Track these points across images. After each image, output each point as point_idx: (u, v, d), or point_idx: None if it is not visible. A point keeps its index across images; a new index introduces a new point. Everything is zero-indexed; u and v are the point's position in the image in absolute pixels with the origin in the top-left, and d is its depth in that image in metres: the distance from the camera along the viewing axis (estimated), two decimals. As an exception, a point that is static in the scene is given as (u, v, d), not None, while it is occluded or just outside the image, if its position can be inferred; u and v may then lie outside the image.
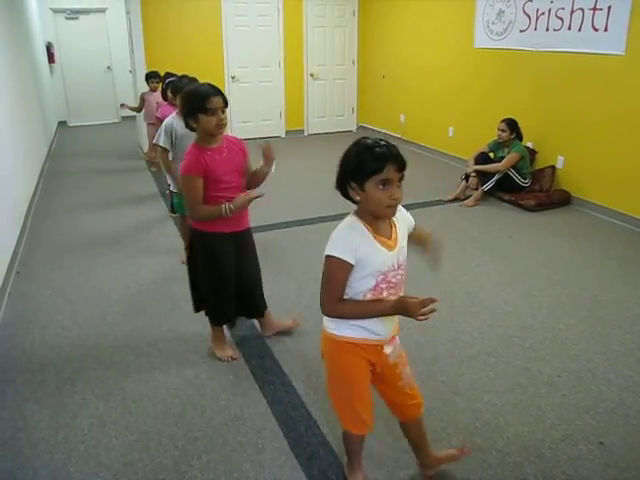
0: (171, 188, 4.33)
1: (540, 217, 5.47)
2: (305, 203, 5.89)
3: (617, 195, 5.33)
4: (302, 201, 5.97)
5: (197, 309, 3.17)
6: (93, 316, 3.62)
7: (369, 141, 1.75)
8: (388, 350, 1.97)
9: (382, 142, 1.74)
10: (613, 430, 2.56)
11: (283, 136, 9.52)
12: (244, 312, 3.21)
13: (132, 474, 2.32)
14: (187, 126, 2.76)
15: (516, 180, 5.76)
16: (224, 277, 2.96)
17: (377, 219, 1.81)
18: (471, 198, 5.85)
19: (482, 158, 5.99)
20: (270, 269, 4.08)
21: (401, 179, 1.74)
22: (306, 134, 9.74)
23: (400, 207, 1.87)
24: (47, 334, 3.41)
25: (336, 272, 1.80)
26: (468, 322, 3.50)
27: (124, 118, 11.18)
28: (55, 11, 10.66)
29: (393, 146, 1.75)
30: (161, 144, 4.05)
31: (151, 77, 6.95)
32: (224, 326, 3.18)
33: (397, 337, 2.05)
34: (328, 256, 1.79)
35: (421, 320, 1.74)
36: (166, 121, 4.06)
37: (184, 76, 4.42)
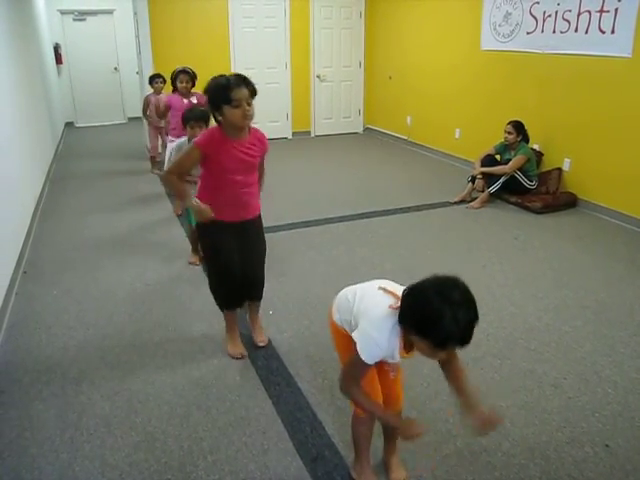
0: None
1: (546, 219, 5.46)
2: (311, 205, 5.88)
3: (624, 197, 5.32)
4: (308, 203, 5.96)
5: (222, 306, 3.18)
6: (99, 316, 3.63)
7: (455, 298, 1.60)
8: None
9: (464, 306, 1.61)
10: (619, 433, 2.55)
11: (290, 137, 9.53)
12: (246, 296, 3.21)
13: (137, 474, 2.33)
14: (215, 120, 2.72)
15: (522, 182, 5.75)
16: (225, 262, 2.95)
17: None
18: (477, 200, 5.84)
19: (488, 160, 5.98)
20: (276, 270, 4.09)
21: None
22: (313, 136, 9.74)
23: None
24: (53, 334, 3.42)
25: (363, 370, 1.88)
26: (474, 324, 3.48)
27: (131, 119, 11.23)
28: (63, 12, 10.71)
29: (472, 322, 1.62)
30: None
31: (155, 79, 7.00)
32: (236, 318, 3.21)
33: None
34: (360, 355, 1.83)
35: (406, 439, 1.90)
36: (178, 142, 4.08)
37: (200, 110, 4.40)
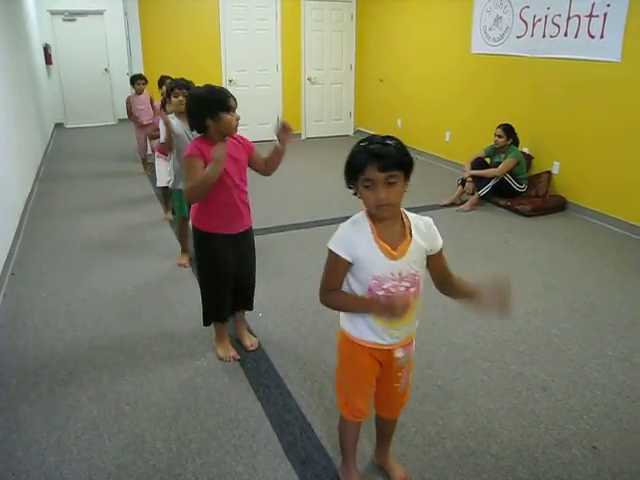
0: (170, 185, 4.26)
1: (536, 222, 5.49)
2: (301, 207, 5.89)
3: (613, 201, 5.35)
4: (298, 205, 5.97)
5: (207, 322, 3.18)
6: (88, 318, 3.61)
7: (367, 138, 1.75)
8: (399, 354, 1.94)
9: (377, 139, 1.71)
10: (606, 435, 2.56)
11: (280, 140, 9.51)
12: (235, 306, 3.22)
13: (125, 477, 2.31)
14: (201, 127, 2.73)
15: (512, 185, 5.78)
16: (222, 273, 2.99)
17: (380, 221, 1.77)
18: (467, 203, 5.86)
19: (478, 163, 6.01)
20: (266, 272, 4.08)
21: (389, 179, 1.67)
22: (303, 138, 9.74)
23: (431, 224, 1.85)
24: (41, 336, 3.40)
25: (332, 265, 1.83)
26: (463, 326, 3.50)
27: (121, 120, 11.18)
28: (53, 13, 10.67)
29: (386, 144, 1.69)
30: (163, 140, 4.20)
31: (137, 79, 7.01)
32: (226, 325, 3.20)
33: (413, 343, 2.02)
34: (328, 248, 1.81)
35: (396, 314, 1.74)
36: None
37: (182, 79, 4.47)
